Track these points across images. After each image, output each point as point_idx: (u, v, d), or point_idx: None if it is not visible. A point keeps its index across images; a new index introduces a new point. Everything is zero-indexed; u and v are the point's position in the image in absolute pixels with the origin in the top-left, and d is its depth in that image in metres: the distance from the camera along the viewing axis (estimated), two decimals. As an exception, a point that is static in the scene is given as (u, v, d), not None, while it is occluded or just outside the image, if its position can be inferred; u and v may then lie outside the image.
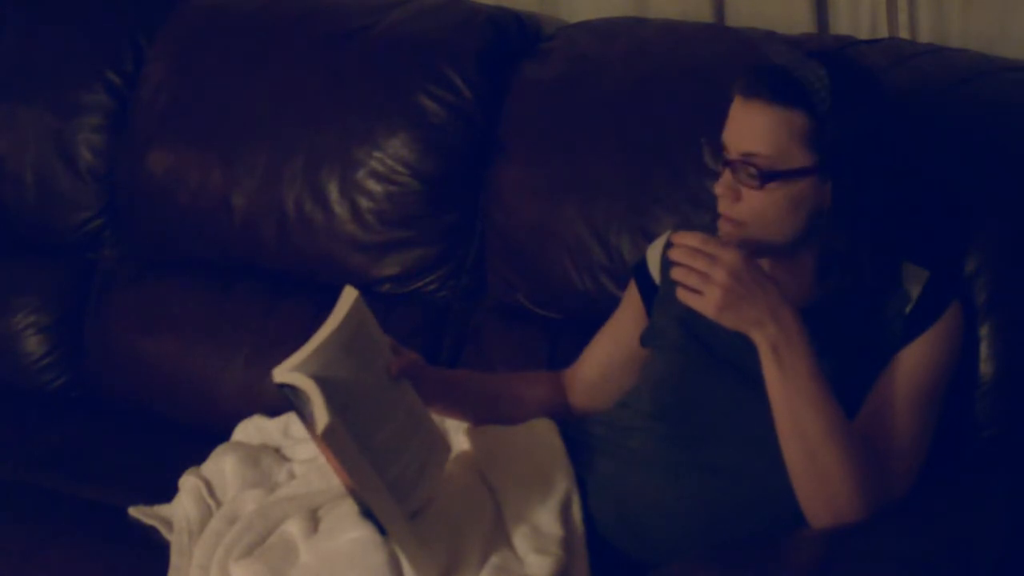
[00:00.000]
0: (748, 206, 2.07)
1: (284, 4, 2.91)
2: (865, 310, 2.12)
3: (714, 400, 2.16)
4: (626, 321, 2.36)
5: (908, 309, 2.12)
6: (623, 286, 2.39)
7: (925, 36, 2.64)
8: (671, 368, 2.22)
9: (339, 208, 2.71)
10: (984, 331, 2.20)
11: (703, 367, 2.18)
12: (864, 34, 2.66)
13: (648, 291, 2.32)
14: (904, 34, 2.65)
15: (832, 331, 2.09)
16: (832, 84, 2.04)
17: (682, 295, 1.98)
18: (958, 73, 2.37)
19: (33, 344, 2.95)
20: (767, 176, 2.04)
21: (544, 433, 2.29)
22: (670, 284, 2.15)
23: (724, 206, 2.09)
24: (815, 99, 2.03)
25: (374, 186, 2.69)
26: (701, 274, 1.96)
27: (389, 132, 2.69)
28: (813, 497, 2.03)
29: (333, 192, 2.71)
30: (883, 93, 2.10)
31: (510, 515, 2.18)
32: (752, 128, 2.05)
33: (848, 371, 2.09)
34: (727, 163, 2.08)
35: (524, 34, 2.74)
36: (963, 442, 2.21)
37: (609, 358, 2.37)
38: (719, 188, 2.09)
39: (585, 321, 2.48)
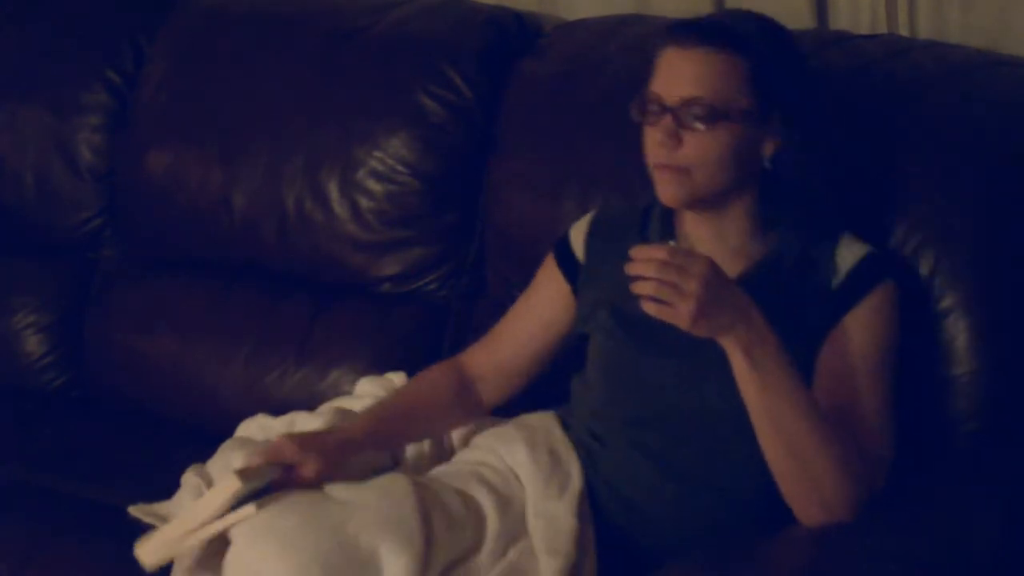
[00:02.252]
0: (692, 150, 2.10)
1: (284, 4, 2.92)
2: (791, 284, 2.14)
3: (651, 379, 2.19)
4: (549, 305, 2.36)
5: (836, 285, 2.13)
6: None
7: (925, 33, 2.64)
8: (605, 354, 2.25)
9: (339, 208, 2.71)
10: (964, 325, 2.21)
11: (633, 349, 2.21)
12: (863, 31, 2.65)
13: (572, 270, 2.33)
14: (904, 31, 2.66)
15: (762, 305, 2.09)
16: (763, 34, 2.13)
17: (652, 309, 1.96)
18: (955, 67, 2.39)
19: (33, 344, 2.95)
20: (717, 115, 2.08)
21: (554, 428, 2.30)
22: (595, 265, 2.26)
23: (664, 155, 2.11)
24: (751, 46, 2.10)
25: (374, 186, 2.69)
26: (671, 286, 1.95)
27: (389, 131, 2.68)
28: (800, 492, 2.03)
29: (333, 191, 2.71)
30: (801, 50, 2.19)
31: (531, 504, 2.18)
32: (695, 73, 2.10)
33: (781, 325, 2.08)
34: (665, 111, 2.10)
35: (524, 33, 2.74)
36: (946, 437, 2.22)
37: (543, 342, 2.36)
38: (660, 135, 2.11)
39: (585, 320, 2.48)
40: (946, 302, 2.21)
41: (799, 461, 2.01)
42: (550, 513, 2.16)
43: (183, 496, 2.36)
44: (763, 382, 2.00)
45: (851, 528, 2.00)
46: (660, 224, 2.24)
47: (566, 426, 2.30)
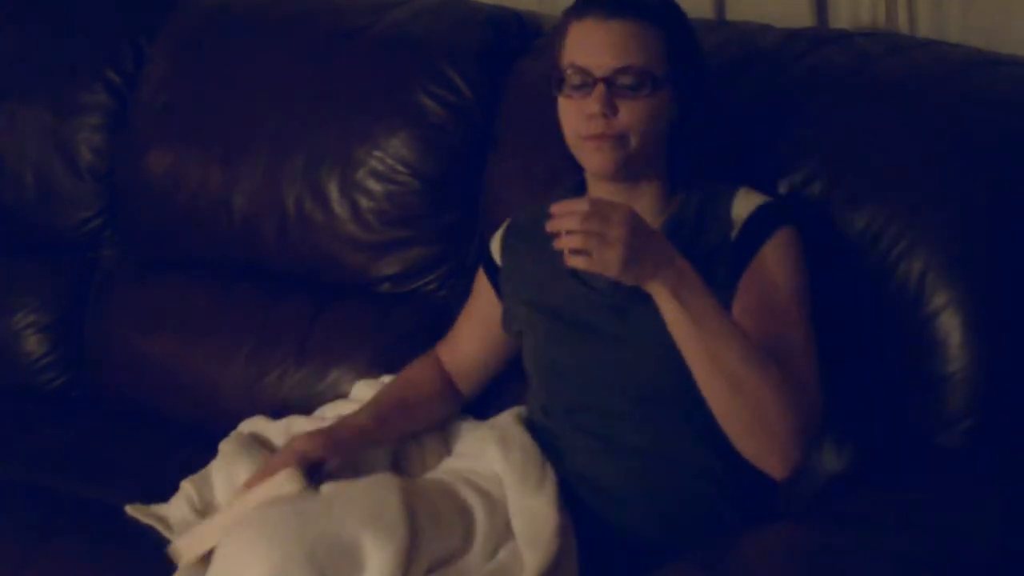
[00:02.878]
0: (628, 117, 2.15)
1: (284, 4, 2.91)
2: (693, 244, 2.17)
3: (580, 363, 2.22)
4: (484, 309, 2.45)
5: (734, 236, 2.17)
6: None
7: (924, 33, 2.64)
8: (534, 349, 2.30)
9: (339, 207, 2.71)
10: (957, 322, 2.20)
11: (559, 338, 2.24)
12: (863, 29, 2.65)
13: (493, 274, 2.41)
14: (903, 30, 2.65)
15: None
16: (667, 6, 2.21)
17: (580, 262, 1.99)
18: (955, 66, 2.39)
19: (33, 344, 2.96)
20: (652, 81, 2.14)
21: (519, 425, 2.32)
22: (511, 267, 2.32)
23: (601, 125, 2.15)
24: (662, 17, 2.17)
25: (374, 185, 2.69)
26: (596, 235, 1.97)
27: (389, 131, 2.68)
28: (748, 430, 2.05)
29: (333, 191, 2.71)
30: None
31: (511, 502, 2.19)
32: (623, 42, 2.15)
33: None
34: (596, 82, 2.14)
35: (524, 33, 2.74)
36: (942, 435, 2.22)
37: (488, 341, 2.45)
38: (596, 107, 2.14)
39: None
40: (939, 299, 2.21)
41: (742, 396, 2.03)
42: (529, 508, 2.17)
43: (179, 501, 2.37)
44: (696, 322, 2.02)
45: (850, 528, 2.00)
46: None
47: (531, 425, 2.32)
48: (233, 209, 2.79)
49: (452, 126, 2.67)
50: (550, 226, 2.00)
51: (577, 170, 2.28)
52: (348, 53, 2.76)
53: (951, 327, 2.20)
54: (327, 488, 2.16)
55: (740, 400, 2.03)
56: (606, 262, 1.98)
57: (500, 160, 2.63)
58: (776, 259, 2.15)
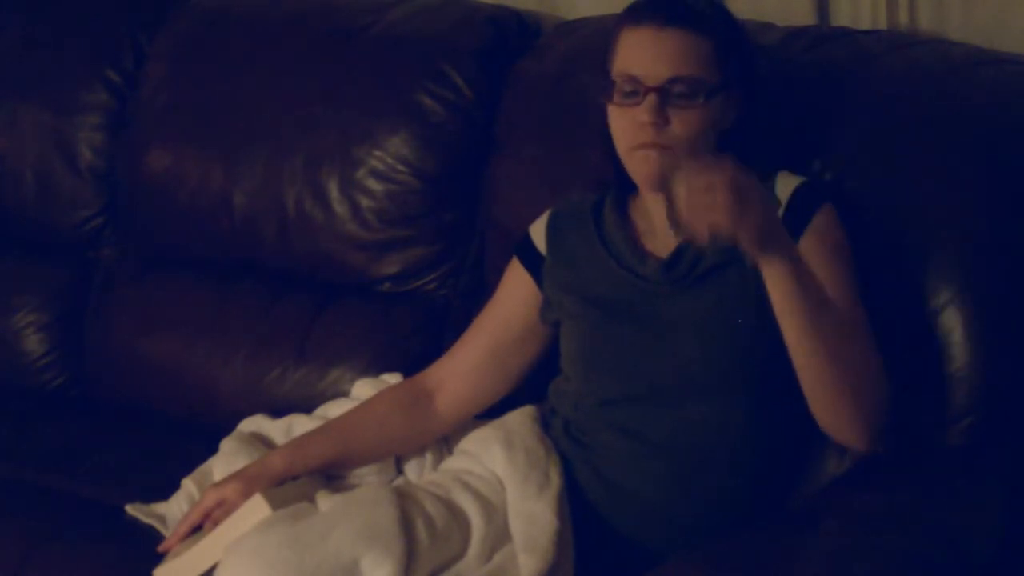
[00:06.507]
0: (681, 128, 2.13)
1: (284, 4, 2.92)
2: None
3: (623, 353, 2.21)
4: (511, 300, 2.37)
5: (779, 215, 2.14)
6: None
7: (925, 30, 2.64)
8: (575, 339, 2.27)
9: (339, 207, 2.71)
10: (960, 319, 2.21)
11: (604, 326, 2.23)
12: (864, 28, 2.65)
13: (535, 264, 2.35)
14: (904, 28, 2.65)
15: (725, 254, 2.12)
16: (718, 13, 2.20)
17: (720, 218, 1.95)
18: (956, 64, 2.39)
19: (33, 343, 2.95)
20: (703, 91, 2.12)
21: (532, 425, 2.30)
22: (557, 256, 2.30)
23: (651, 134, 2.14)
24: (715, 25, 2.16)
25: (374, 185, 2.69)
26: (738, 203, 1.94)
27: (389, 131, 2.68)
28: (845, 401, 2.06)
29: (333, 191, 2.71)
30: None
31: (511, 504, 2.19)
32: (675, 53, 2.13)
33: (754, 285, 2.12)
34: (648, 91, 2.13)
35: (524, 32, 2.75)
36: (944, 432, 2.22)
37: (501, 337, 2.37)
38: (647, 116, 2.13)
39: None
40: (942, 297, 2.21)
41: (842, 367, 2.05)
42: (529, 512, 2.16)
43: (180, 500, 2.37)
44: (808, 297, 2.03)
45: (851, 527, 2.00)
46: (614, 212, 2.28)
47: (547, 425, 2.30)
48: (233, 209, 2.79)
49: (452, 126, 2.67)
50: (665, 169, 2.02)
51: (579, 171, 2.28)
52: (348, 53, 2.76)
53: (952, 324, 2.21)
54: (323, 504, 2.18)
55: (840, 372, 2.04)
56: (747, 226, 1.95)
57: (500, 160, 2.63)
58: (821, 238, 2.14)
